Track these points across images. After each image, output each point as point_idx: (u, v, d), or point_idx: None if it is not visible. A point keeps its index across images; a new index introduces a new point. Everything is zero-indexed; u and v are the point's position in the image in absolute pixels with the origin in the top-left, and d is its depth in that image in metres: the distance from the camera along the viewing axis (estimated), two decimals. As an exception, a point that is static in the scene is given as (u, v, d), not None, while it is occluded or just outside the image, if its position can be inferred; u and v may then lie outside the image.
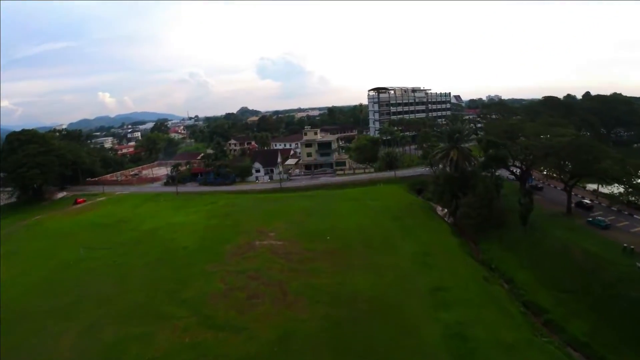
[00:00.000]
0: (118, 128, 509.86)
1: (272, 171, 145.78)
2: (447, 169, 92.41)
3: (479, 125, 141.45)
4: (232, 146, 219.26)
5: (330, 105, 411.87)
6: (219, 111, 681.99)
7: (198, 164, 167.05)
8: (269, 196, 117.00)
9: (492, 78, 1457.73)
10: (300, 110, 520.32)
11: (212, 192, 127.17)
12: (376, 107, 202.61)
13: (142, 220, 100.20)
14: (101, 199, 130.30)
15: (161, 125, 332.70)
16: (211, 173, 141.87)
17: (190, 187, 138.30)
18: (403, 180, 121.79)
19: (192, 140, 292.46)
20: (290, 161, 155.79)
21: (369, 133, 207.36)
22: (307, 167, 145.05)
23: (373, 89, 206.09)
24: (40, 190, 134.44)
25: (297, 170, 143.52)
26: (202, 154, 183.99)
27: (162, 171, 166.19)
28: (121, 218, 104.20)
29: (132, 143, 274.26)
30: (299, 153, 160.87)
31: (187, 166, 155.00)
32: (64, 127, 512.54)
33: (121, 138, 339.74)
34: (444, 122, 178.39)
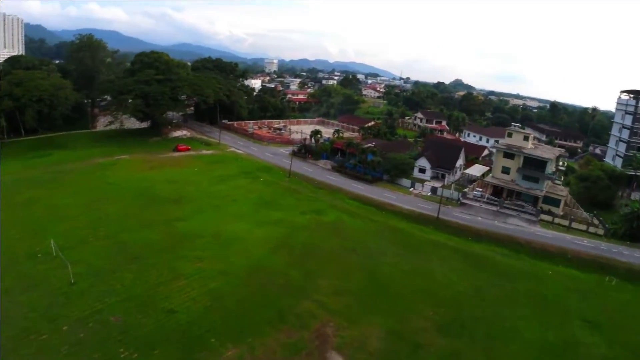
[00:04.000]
0: (327, 73, 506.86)
1: (443, 177, 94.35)
2: None
3: None
4: (416, 120, 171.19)
5: (552, 99, 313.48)
6: (433, 78, 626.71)
7: (363, 133, 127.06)
8: (406, 231, 68.58)
9: None
10: (518, 96, 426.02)
11: (335, 187, 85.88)
12: (629, 121, 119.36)
13: (200, 209, 68.10)
14: (206, 152, 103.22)
15: (353, 78, 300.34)
16: (353, 157, 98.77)
17: (317, 169, 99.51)
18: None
19: (383, 102, 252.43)
20: (475, 170, 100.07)
21: (603, 157, 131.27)
22: (496, 190, 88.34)
23: (629, 92, 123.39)
24: (156, 123, 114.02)
25: (478, 190, 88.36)
26: (371, 123, 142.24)
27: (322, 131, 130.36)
28: (181, 195, 73.18)
29: (310, 90, 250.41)
30: (492, 158, 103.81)
31: (337, 135, 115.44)
32: (275, 62, 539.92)
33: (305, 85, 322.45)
34: None
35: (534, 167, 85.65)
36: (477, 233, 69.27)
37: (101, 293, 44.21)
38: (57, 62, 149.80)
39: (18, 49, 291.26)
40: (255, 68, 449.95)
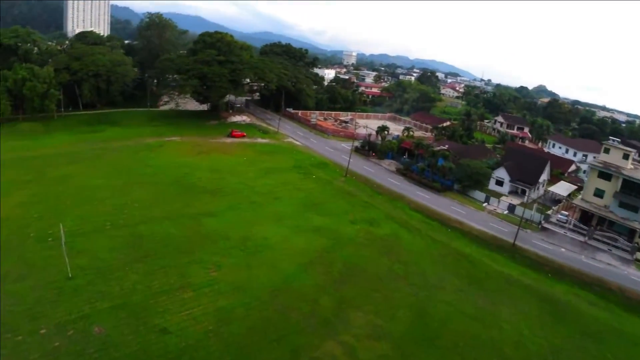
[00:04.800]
0: (406, 69, 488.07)
1: (523, 192, 79.84)
2: None
3: None
4: (496, 124, 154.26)
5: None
6: (515, 83, 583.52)
7: (436, 134, 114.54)
8: (473, 258, 56.35)
9: None
10: (604, 108, 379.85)
11: (396, 194, 75.24)
12: None
13: (236, 205, 60.82)
14: (261, 140, 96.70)
15: (431, 75, 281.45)
16: (421, 159, 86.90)
17: (379, 169, 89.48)
18: None
19: (462, 102, 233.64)
20: (560, 188, 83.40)
21: None
22: (585, 216, 72.09)
23: None
24: (215, 106, 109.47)
25: (563, 214, 72.43)
26: (446, 123, 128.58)
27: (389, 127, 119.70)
28: (220, 187, 66.36)
29: (385, 84, 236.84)
30: (583, 175, 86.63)
31: (406, 133, 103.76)
32: (354, 54, 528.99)
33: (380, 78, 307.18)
34: None
35: (634, 192, 68.55)
36: (558, 269, 55.26)
37: (95, 294, 38.07)
38: (128, 41, 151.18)
39: (104, 29, 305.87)
40: (333, 60, 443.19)
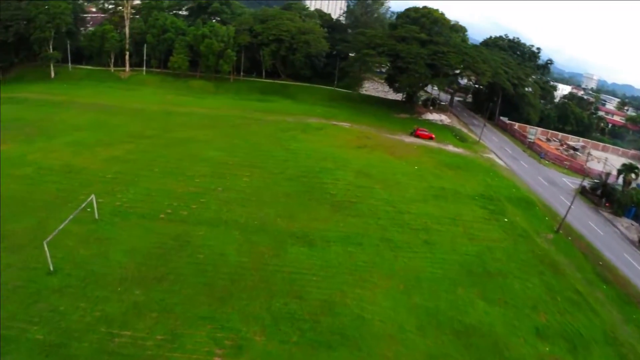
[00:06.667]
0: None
1: None
2: None
3: None
4: None
5: None
6: None
7: None
8: None
9: None
10: None
11: (634, 288, 41.64)
12: None
13: (360, 238, 40.65)
14: (452, 148, 74.08)
15: None
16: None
17: (611, 231, 56.75)
18: None
19: None
20: None
21: None
22: None
23: None
24: (410, 96, 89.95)
25: None
26: None
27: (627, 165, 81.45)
28: (353, 202, 46.09)
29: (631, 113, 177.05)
30: None
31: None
32: (594, 78, 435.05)
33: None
34: None
35: None
36: None
37: (58, 315, 23.46)
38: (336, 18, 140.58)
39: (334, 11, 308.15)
40: (570, 82, 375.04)
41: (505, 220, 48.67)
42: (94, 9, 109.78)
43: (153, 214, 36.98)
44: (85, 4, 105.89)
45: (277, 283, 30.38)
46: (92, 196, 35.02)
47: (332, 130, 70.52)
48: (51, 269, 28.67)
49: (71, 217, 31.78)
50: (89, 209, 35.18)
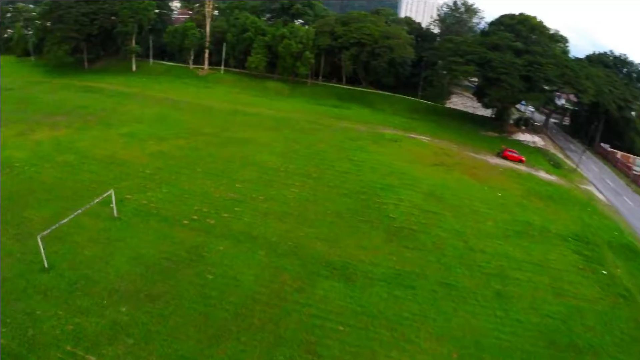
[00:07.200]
0: None
1: None
2: None
3: None
4: None
5: None
6: None
7: None
8: None
9: None
10: None
11: None
12: None
13: (414, 280, 33.19)
14: (544, 175, 63.67)
15: None
16: None
17: None
18: None
19: None
20: None
21: None
22: None
23: None
24: (500, 113, 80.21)
25: None
26: None
27: None
28: (421, 227, 39.48)
29: None
30: None
31: None
32: None
33: None
34: None
35: None
36: None
37: (31, 320, 20.69)
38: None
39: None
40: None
41: (604, 272, 37.49)
42: (177, 5, 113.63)
43: (177, 218, 32.90)
44: (172, 3, 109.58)
45: (290, 327, 23.93)
46: (111, 191, 31.92)
47: (408, 143, 63.11)
48: (46, 265, 25.64)
49: (78, 211, 28.76)
50: (111, 205, 31.96)
